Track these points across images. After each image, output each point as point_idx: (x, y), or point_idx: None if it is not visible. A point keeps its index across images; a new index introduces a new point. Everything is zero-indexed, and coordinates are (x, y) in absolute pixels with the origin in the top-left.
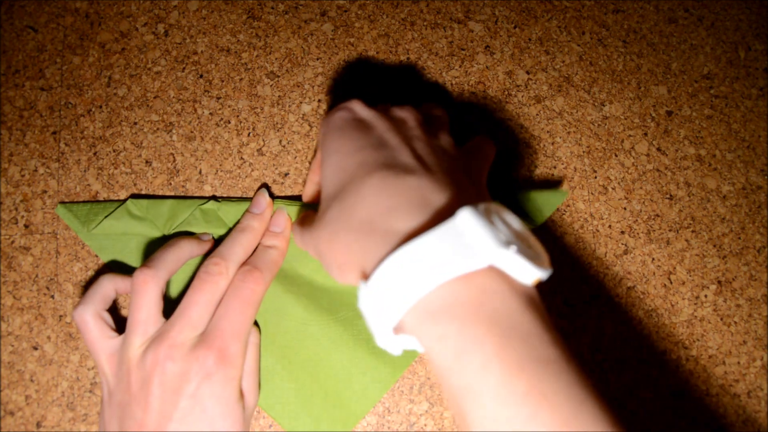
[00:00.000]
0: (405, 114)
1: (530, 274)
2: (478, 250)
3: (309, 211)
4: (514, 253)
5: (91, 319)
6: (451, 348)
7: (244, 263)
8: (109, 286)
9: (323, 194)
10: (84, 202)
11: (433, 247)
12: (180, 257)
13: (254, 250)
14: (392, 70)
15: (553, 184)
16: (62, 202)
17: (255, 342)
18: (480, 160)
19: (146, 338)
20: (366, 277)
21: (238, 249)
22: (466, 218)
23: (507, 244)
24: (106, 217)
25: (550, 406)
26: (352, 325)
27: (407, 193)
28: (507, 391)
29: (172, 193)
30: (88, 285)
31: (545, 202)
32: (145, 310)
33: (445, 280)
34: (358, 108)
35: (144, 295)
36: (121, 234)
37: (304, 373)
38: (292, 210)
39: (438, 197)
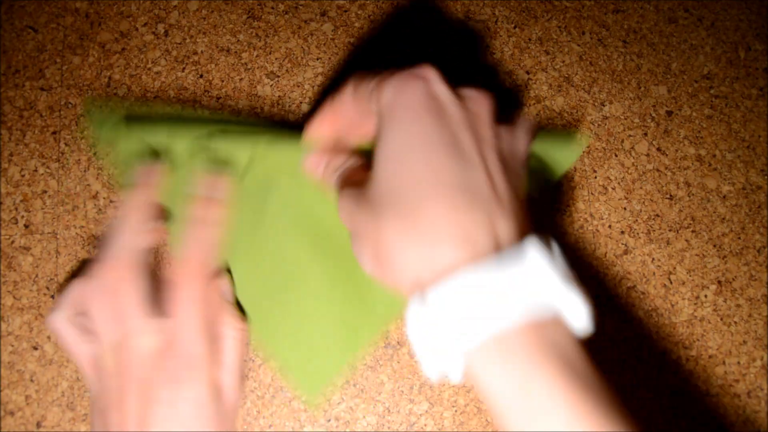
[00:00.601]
0: (479, 106)
1: (585, 321)
2: (548, 291)
3: (356, 170)
4: (581, 300)
5: (64, 325)
6: (513, 386)
7: (186, 254)
8: (78, 291)
9: (375, 183)
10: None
11: (503, 281)
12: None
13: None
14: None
15: (562, 135)
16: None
17: (235, 336)
18: (525, 150)
19: (116, 343)
20: (422, 287)
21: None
22: (535, 257)
23: (574, 288)
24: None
25: None
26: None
27: (477, 224)
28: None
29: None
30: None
31: (559, 157)
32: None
33: (520, 318)
34: (436, 83)
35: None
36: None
37: (299, 308)
38: (291, 150)
39: (506, 231)
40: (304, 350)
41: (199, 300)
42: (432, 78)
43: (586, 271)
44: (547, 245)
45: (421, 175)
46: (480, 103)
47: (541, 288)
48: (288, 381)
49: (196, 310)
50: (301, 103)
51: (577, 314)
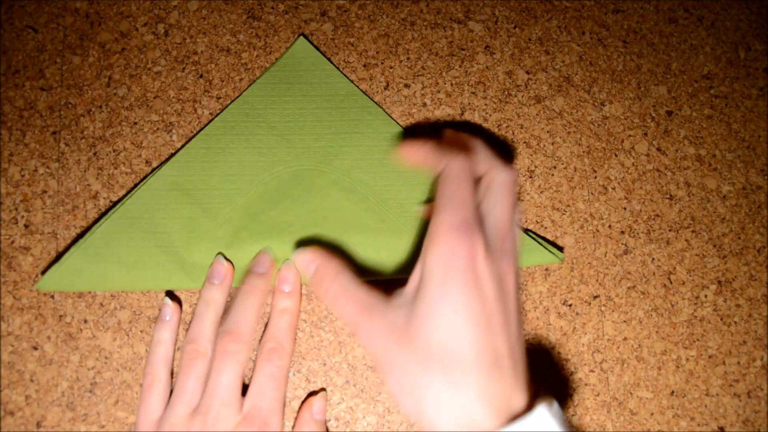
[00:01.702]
0: (507, 261)
1: None
2: None
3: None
4: None
5: (163, 387)
6: None
7: (265, 337)
8: (171, 351)
9: (426, 340)
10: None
11: None
12: (245, 318)
13: (269, 318)
14: (392, 69)
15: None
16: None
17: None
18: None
19: (190, 409)
20: None
21: (248, 316)
22: (546, 420)
23: None
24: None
25: None
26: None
27: (502, 396)
28: None
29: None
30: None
31: (537, 253)
32: (192, 380)
33: None
34: (480, 257)
35: (193, 369)
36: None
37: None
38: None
39: (520, 399)
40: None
41: (278, 377)
42: (478, 254)
43: (586, 271)
44: (550, 406)
45: (467, 350)
46: (507, 250)
47: None
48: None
49: (279, 384)
50: None
51: None
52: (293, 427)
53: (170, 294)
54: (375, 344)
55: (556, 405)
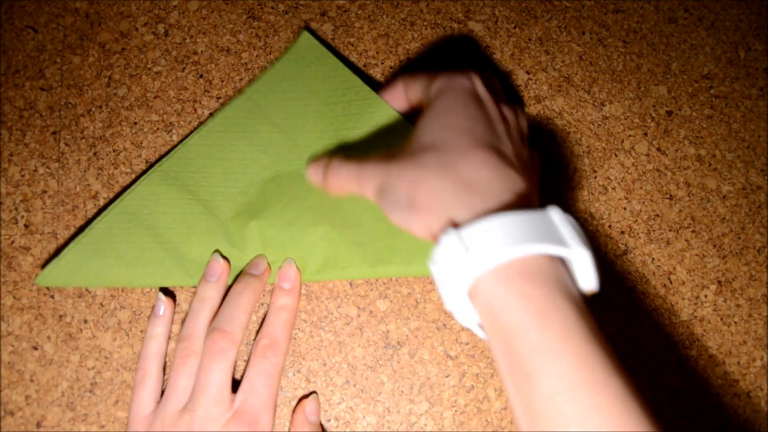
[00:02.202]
0: (511, 115)
1: (593, 281)
2: (567, 241)
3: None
4: (591, 260)
5: (154, 382)
6: (534, 307)
7: (261, 333)
8: (164, 346)
9: (417, 141)
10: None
11: (532, 223)
12: (239, 316)
13: (267, 314)
14: (392, 69)
15: None
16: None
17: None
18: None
19: (180, 407)
20: (456, 225)
21: (239, 315)
22: (557, 215)
23: (588, 246)
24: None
25: (620, 378)
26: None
27: (510, 181)
28: (586, 357)
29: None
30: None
31: None
32: (185, 378)
33: (542, 251)
34: (479, 84)
35: (185, 367)
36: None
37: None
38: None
39: (527, 194)
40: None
41: (272, 374)
42: (476, 80)
43: None
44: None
45: (463, 133)
46: (511, 113)
47: (560, 238)
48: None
49: (271, 381)
50: None
51: (586, 272)
52: (289, 429)
53: (164, 289)
54: (375, 174)
55: (569, 216)
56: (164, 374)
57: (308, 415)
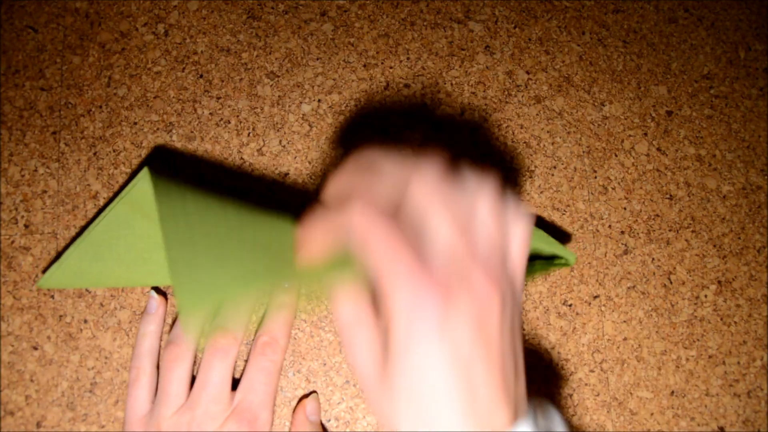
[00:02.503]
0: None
1: None
2: None
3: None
4: None
5: (148, 380)
6: None
7: (260, 331)
8: (157, 343)
9: (398, 381)
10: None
11: None
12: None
13: (266, 312)
14: (392, 69)
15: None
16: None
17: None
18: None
19: (174, 410)
20: None
21: (239, 314)
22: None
23: None
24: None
25: None
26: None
27: (474, 424)
28: None
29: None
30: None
31: (548, 263)
32: (176, 384)
33: None
34: (450, 303)
35: (175, 371)
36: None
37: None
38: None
39: (500, 421)
40: (200, 261)
41: (271, 371)
42: (442, 292)
43: (586, 271)
44: (538, 415)
45: (439, 391)
46: (490, 240)
47: None
48: (174, 285)
49: (271, 378)
50: (301, 103)
51: None
52: (289, 429)
53: (157, 289)
54: (359, 368)
55: (548, 411)
56: (158, 371)
57: (309, 414)
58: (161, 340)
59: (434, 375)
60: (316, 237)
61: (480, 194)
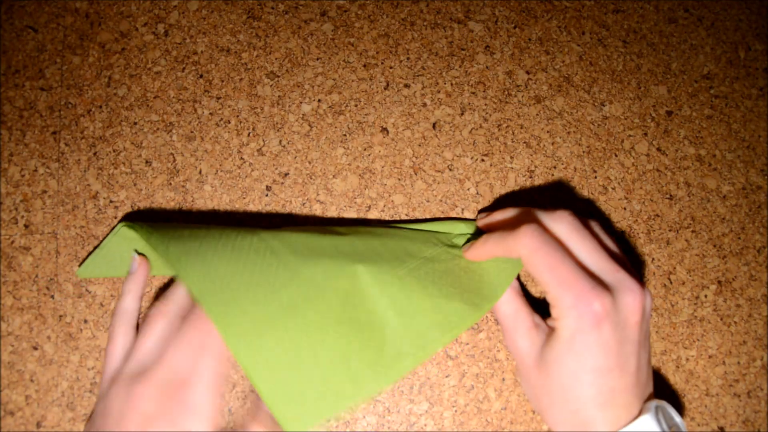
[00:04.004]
0: (629, 309)
1: None
2: None
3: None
4: None
5: (124, 338)
6: None
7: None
8: (137, 302)
9: (553, 384)
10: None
11: None
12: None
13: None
14: (392, 69)
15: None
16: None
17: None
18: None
19: (140, 369)
20: None
21: (178, 289)
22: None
23: None
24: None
25: None
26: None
27: (612, 422)
28: None
29: (172, 194)
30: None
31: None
32: (151, 341)
33: None
34: (606, 321)
35: (154, 326)
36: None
37: (303, 336)
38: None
39: (636, 405)
40: (294, 380)
41: (203, 344)
42: (602, 312)
43: None
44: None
45: (587, 395)
46: (642, 311)
47: None
48: (272, 408)
49: (200, 350)
50: (301, 103)
51: None
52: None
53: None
54: (518, 358)
55: (664, 409)
56: (136, 332)
57: None
58: (141, 299)
59: (587, 381)
60: (490, 248)
61: (592, 225)
